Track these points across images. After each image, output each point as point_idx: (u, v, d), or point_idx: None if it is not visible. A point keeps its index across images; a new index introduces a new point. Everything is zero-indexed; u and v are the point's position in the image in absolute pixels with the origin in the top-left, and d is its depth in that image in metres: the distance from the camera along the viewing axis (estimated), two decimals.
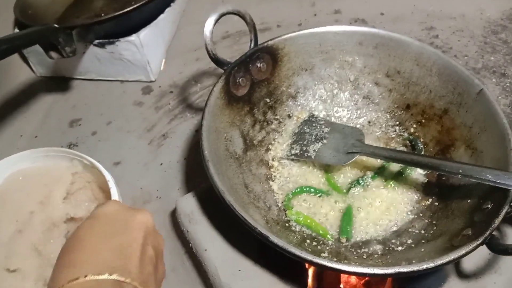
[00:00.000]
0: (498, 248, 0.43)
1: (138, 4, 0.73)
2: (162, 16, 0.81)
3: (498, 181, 0.47)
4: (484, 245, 0.44)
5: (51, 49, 0.68)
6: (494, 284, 0.51)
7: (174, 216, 0.61)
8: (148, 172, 0.70)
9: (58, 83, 0.85)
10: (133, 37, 0.76)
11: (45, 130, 0.79)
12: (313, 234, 0.56)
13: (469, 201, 0.52)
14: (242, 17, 0.61)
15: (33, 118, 0.81)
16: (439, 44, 0.83)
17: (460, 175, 0.50)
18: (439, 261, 0.42)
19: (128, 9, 0.73)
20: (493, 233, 0.44)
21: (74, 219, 0.60)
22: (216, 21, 0.59)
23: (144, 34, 0.77)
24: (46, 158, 0.64)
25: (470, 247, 0.43)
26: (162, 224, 0.63)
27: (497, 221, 0.45)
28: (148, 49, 0.79)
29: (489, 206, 0.48)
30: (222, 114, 0.58)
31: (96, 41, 0.76)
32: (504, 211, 0.45)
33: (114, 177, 0.61)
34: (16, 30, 0.80)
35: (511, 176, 0.46)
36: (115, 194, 0.58)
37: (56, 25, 0.67)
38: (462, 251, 0.43)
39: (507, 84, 0.75)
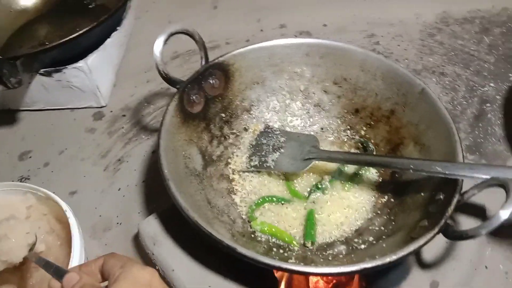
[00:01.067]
0: (453, 235, 0.45)
1: (83, 30, 0.72)
2: (109, 40, 0.80)
3: (447, 172, 0.49)
4: (441, 234, 0.46)
5: None
6: (454, 270, 0.53)
7: (137, 240, 0.60)
8: (106, 199, 0.69)
9: (4, 116, 0.82)
10: (80, 63, 0.74)
11: None
12: (279, 242, 0.57)
13: (422, 194, 0.55)
14: (191, 35, 0.62)
15: None
16: (381, 50, 0.87)
17: (411, 170, 0.52)
18: (401, 253, 0.44)
19: (74, 35, 0.71)
20: (448, 222, 0.47)
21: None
22: (165, 41, 0.59)
23: (92, 59, 0.76)
24: None
25: (428, 237, 0.45)
26: (125, 249, 0.62)
27: (450, 210, 0.47)
28: (97, 74, 0.78)
29: (441, 197, 0.51)
30: (178, 133, 0.58)
31: (42, 70, 0.74)
32: (455, 200, 0.48)
33: (71, 207, 0.59)
34: None
35: (459, 166, 0.49)
36: (74, 224, 0.56)
37: None
38: (421, 241, 0.45)
39: (447, 82, 0.80)
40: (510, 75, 0.80)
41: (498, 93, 0.77)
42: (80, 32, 0.72)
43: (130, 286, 0.37)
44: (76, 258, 0.53)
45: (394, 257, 0.44)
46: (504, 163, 0.67)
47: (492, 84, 0.78)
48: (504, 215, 0.42)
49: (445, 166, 0.50)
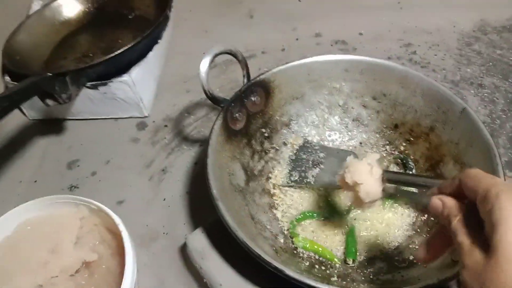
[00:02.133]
0: None
1: (128, 46, 0.75)
2: (151, 53, 0.83)
3: None
4: None
5: (47, 97, 0.69)
6: None
7: (183, 251, 0.63)
8: (152, 209, 0.72)
9: (51, 125, 0.86)
10: (125, 77, 0.77)
11: (43, 174, 0.79)
12: (321, 259, 0.59)
13: None
14: (234, 55, 0.64)
15: (30, 163, 0.81)
16: (417, 59, 0.87)
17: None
18: (442, 276, 0.46)
19: (120, 51, 0.74)
20: None
21: (89, 264, 0.61)
22: (211, 61, 0.62)
23: (136, 72, 0.79)
24: (52, 206, 0.64)
25: None
26: (172, 260, 0.65)
27: None
28: (140, 86, 0.81)
29: None
30: (223, 150, 0.61)
31: (88, 84, 0.78)
32: None
33: (119, 216, 0.63)
34: (6, 77, 0.80)
35: None
36: (126, 237, 0.59)
37: (50, 74, 0.68)
38: None
39: (485, 94, 0.80)
40: None
41: None
42: (126, 47, 0.75)
43: None
44: (129, 271, 0.56)
45: (435, 281, 0.46)
46: None
47: None
48: None
49: None
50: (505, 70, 0.83)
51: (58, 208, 0.65)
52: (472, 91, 0.80)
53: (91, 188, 0.76)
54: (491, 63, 0.85)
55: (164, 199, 0.73)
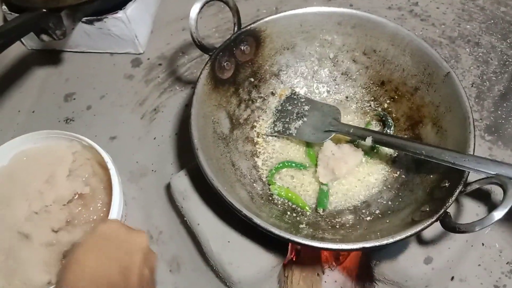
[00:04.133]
0: (449, 226, 0.50)
1: None
2: None
3: (455, 163, 0.53)
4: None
5: (42, 33, 0.70)
6: (449, 249, 0.59)
7: (169, 189, 0.67)
8: (143, 147, 0.75)
9: (50, 56, 0.88)
10: (120, 14, 0.77)
11: (41, 105, 0.83)
12: (294, 206, 0.63)
13: (431, 176, 0.58)
14: (225, 2, 0.63)
15: (29, 93, 0.84)
16: (418, 11, 0.85)
17: (423, 156, 0.55)
18: (398, 237, 0.49)
19: None
20: (447, 211, 0.51)
21: (83, 195, 0.66)
22: (200, 9, 0.61)
23: (131, 9, 0.79)
24: (47, 139, 0.68)
25: (426, 224, 0.50)
26: (159, 196, 0.70)
27: (451, 201, 0.51)
28: (135, 23, 0.81)
29: (446, 184, 0.54)
30: (209, 99, 0.62)
31: (84, 19, 0.78)
32: (457, 191, 0.51)
33: (111, 152, 0.67)
34: (4, 8, 0.80)
35: (467, 158, 0.52)
36: (114, 174, 0.63)
37: (44, 10, 0.68)
38: (418, 227, 0.50)
39: (480, 54, 0.79)
40: None
41: None
42: None
43: (93, 238, 0.45)
44: (116, 204, 0.61)
45: (391, 240, 0.49)
46: None
47: None
48: (497, 215, 0.46)
49: (454, 157, 0.53)
50: (505, 30, 0.81)
51: (52, 142, 0.69)
52: (468, 49, 0.80)
53: (86, 122, 0.79)
54: (492, 21, 0.83)
55: (155, 138, 0.76)
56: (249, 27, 0.65)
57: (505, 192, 0.47)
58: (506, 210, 0.46)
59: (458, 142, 0.57)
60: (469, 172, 0.52)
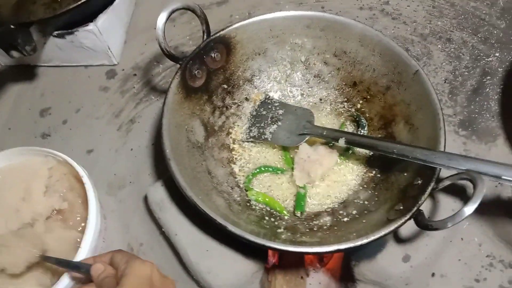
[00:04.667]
0: (422, 224, 0.50)
1: None
2: (117, 0, 0.82)
3: (426, 160, 0.53)
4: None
5: (11, 49, 0.69)
6: (426, 246, 0.59)
7: (147, 200, 0.67)
8: (120, 158, 0.75)
9: (23, 71, 0.87)
10: (90, 26, 0.77)
11: (17, 121, 0.82)
12: (272, 211, 0.63)
13: (405, 174, 0.59)
14: (193, 11, 0.64)
15: (3, 110, 0.83)
16: (390, 10, 0.86)
17: (394, 155, 0.56)
18: (372, 237, 0.50)
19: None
20: (420, 209, 0.51)
21: (61, 211, 0.66)
22: (167, 18, 0.61)
23: (102, 21, 0.78)
24: (21, 156, 0.68)
25: (399, 222, 0.51)
26: (137, 207, 0.69)
27: (423, 198, 0.51)
28: (107, 34, 0.80)
29: (419, 182, 0.55)
30: (181, 108, 0.62)
31: (55, 32, 0.77)
32: (429, 188, 0.52)
33: (88, 164, 0.66)
34: None
35: (437, 155, 0.53)
36: (89, 188, 0.63)
37: (12, 26, 0.68)
38: (392, 226, 0.50)
39: (452, 49, 0.80)
40: None
41: (501, 64, 0.76)
42: None
43: (135, 279, 0.45)
44: (93, 219, 0.61)
45: (365, 240, 0.50)
46: (494, 140, 0.69)
47: (497, 54, 0.78)
48: (468, 211, 0.46)
49: (424, 154, 0.53)
50: (475, 24, 0.82)
51: (27, 158, 0.68)
52: (439, 46, 0.80)
53: (62, 136, 0.79)
54: (463, 16, 0.84)
55: (132, 149, 0.76)
56: (218, 34, 0.65)
57: (475, 187, 0.48)
58: (476, 205, 0.46)
59: (429, 139, 0.58)
60: (440, 168, 0.53)
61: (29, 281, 0.60)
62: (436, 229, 0.48)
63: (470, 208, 0.46)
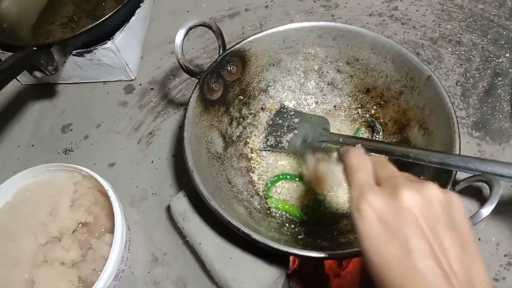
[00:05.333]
0: None
1: (111, 13, 0.77)
2: (133, 18, 0.84)
3: (442, 163, 0.54)
4: None
5: (34, 70, 0.72)
6: None
7: (169, 212, 0.69)
8: (141, 171, 0.77)
9: (44, 90, 0.90)
10: (109, 44, 0.80)
11: (39, 138, 0.85)
12: (291, 217, 0.65)
13: (422, 178, 0.60)
14: (209, 27, 0.66)
15: (26, 127, 0.86)
16: (399, 16, 0.87)
17: (410, 159, 0.57)
18: None
19: (104, 18, 0.76)
20: None
21: (87, 224, 0.68)
22: (185, 35, 0.63)
23: (119, 38, 0.81)
24: (47, 172, 0.70)
25: None
26: (160, 218, 0.71)
27: None
28: (124, 51, 0.83)
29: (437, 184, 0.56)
30: (200, 121, 0.64)
31: (74, 52, 0.80)
32: None
33: (111, 178, 0.68)
34: None
35: (453, 158, 0.54)
36: (114, 201, 0.65)
37: (35, 48, 0.71)
38: None
39: (462, 52, 0.81)
40: None
41: None
42: (108, 15, 0.77)
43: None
44: (119, 230, 0.63)
45: None
46: (508, 141, 0.70)
47: (507, 55, 0.79)
48: (485, 212, 0.47)
49: (440, 158, 0.54)
50: (484, 26, 0.83)
51: (53, 174, 0.71)
52: (450, 49, 0.81)
53: (84, 151, 0.81)
54: (471, 18, 0.85)
55: (152, 162, 0.78)
56: (233, 48, 0.67)
57: (491, 189, 0.49)
58: (492, 207, 0.47)
59: (444, 142, 0.59)
60: (456, 171, 0.54)
61: None
62: None
63: (487, 210, 0.47)
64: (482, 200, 0.64)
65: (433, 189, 0.38)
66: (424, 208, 0.36)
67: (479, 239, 0.65)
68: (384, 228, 0.35)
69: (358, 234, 0.37)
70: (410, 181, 0.38)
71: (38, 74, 0.73)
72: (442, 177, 0.55)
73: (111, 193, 0.66)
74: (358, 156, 0.43)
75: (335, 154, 0.67)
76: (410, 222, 0.35)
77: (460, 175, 0.54)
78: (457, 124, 0.58)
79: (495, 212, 0.65)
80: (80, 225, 0.68)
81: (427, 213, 0.36)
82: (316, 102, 0.74)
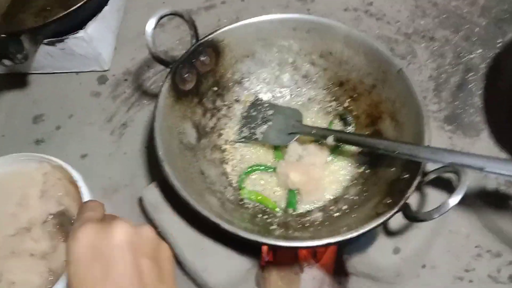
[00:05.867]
0: (409, 216, 0.52)
1: (82, 2, 0.75)
2: (106, 8, 0.83)
3: (411, 154, 0.55)
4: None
5: (3, 58, 0.71)
6: (415, 238, 0.61)
7: (142, 203, 0.68)
8: (114, 162, 0.76)
9: (16, 79, 0.88)
10: (81, 33, 0.78)
11: (11, 128, 0.83)
12: (264, 208, 0.65)
13: (392, 169, 0.61)
14: (181, 16, 0.65)
15: None
16: (374, 11, 0.88)
17: (381, 151, 0.58)
18: (361, 230, 0.51)
19: (75, 7, 0.74)
20: (407, 202, 0.53)
21: (58, 215, 0.67)
22: (156, 23, 0.63)
23: (91, 28, 0.80)
24: (16, 162, 0.68)
25: (387, 215, 0.52)
26: (132, 210, 0.70)
27: (410, 191, 0.53)
28: (98, 41, 0.82)
29: (406, 176, 0.57)
30: (172, 111, 0.64)
31: (45, 40, 0.78)
32: (416, 182, 0.54)
33: (83, 169, 0.67)
34: None
35: (422, 150, 0.55)
36: (85, 192, 0.64)
37: (3, 35, 0.69)
38: (380, 219, 0.52)
39: (435, 47, 0.82)
40: (498, 41, 0.81)
41: (483, 61, 0.79)
42: (79, 4, 0.75)
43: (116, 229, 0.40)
44: None
45: (355, 233, 0.51)
46: (478, 135, 0.72)
47: (479, 51, 0.80)
48: (452, 202, 0.48)
49: (409, 149, 0.55)
50: (457, 23, 0.85)
51: (22, 165, 0.69)
52: (423, 44, 0.83)
53: (56, 142, 0.80)
54: (445, 15, 0.86)
55: (125, 153, 0.77)
56: (206, 38, 0.67)
57: (459, 179, 0.50)
58: (460, 196, 0.48)
59: (414, 134, 0.60)
60: (425, 162, 0.55)
61: None
62: (422, 220, 0.50)
63: (454, 199, 0.48)
64: (451, 191, 0.64)
65: (147, 230, 0.43)
66: (133, 241, 0.40)
67: (450, 231, 0.66)
68: (92, 252, 0.38)
69: (67, 260, 0.39)
70: (130, 223, 0.42)
71: (7, 62, 0.71)
72: (412, 168, 0.56)
73: (81, 183, 0.64)
74: (94, 203, 0.49)
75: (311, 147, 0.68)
76: (117, 248, 0.38)
77: (430, 166, 0.55)
78: (427, 116, 0.59)
79: (465, 204, 0.67)
80: (51, 216, 0.67)
81: (135, 246, 0.39)
82: (291, 95, 0.74)
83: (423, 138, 0.57)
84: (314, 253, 0.75)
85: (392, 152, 0.57)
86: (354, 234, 0.51)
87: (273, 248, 0.67)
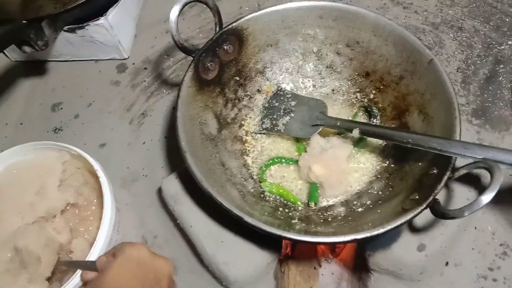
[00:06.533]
0: (438, 213, 0.50)
1: None
2: None
3: (441, 149, 0.53)
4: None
5: (24, 44, 0.70)
6: (441, 235, 0.59)
7: (161, 194, 0.67)
8: (133, 152, 0.75)
9: (34, 67, 0.87)
10: (101, 20, 0.77)
11: (29, 116, 0.82)
12: (285, 202, 0.63)
13: (420, 164, 0.59)
14: (205, 3, 0.63)
15: (15, 105, 0.84)
16: (400, 0, 0.85)
17: (410, 144, 0.56)
18: (388, 227, 0.50)
19: None
20: (436, 198, 0.51)
21: (76, 204, 0.66)
22: (180, 11, 0.61)
23: (112, 15, 0.78)
24: (36, 151, 0.68)
25: (415, 212, 0.50)
26: (151, 200, 0.70)
27: (439, 187, 0.51)
28: (118, 28, 0.80)
29: (435, 171, 0.55)
30: (194, 101, 0.62)
31: (66, 27, 0.77)
32: (445, 178, 0.52)
33: (101, 159, 0.67)
34: None
35: (453, 144, 0.53)
36: (104, 182, 0.63)
37: (24, 21, 0.68)
38: (408, 216, 0.50)
39: (464, 38, 0.79)
40: None
41: None
42: None
43: (122, 259, 0.48)
44: (108, 212, 0.61)
45: (382, 230, 0.50)
46: (507, 129, 0.69)
47: (510, 42, 0.77)
48: (485, 200, 0.46)
49: (440, 143, 0.53)
50: (487, 12, 0.82)
51: (41, 153, 0.69)
52: (451, 35, 0.80)
53: (74, 131, 0.79)
54: (474, 4, 0.83)
55: (144, 143, 0.76)
56: (230, 26, 0.65)
57: (492, 175, 0.47)
58: (493, 193, 0.46)
59: (444, 128, 0.57)
60: (456, 158, 0.53)
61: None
62: (453, 217, 0.48)
63: (487, 197, 0.46)
64: (479, 188, 0.62)
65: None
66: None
67: (475, 228, 0.64)
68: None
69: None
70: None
71: (27, 49, 0.71)
72: (441, 163, 0.54)
73: (100, 173, 0.64)
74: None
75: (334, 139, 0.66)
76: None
77: (459, 162, 0.53)
78: (459, 109, 0.56)
79: (492, 201, 0.64)
80: (69, 206, 0.67)
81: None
82: (314, 85, 0.73)
83: (454, 132, 0.55)
84: (333, 248, 0.74)
85: (421, 147, 0.54)
86: (381, 230, 0.50)
87: (293, 243, 0.65)
